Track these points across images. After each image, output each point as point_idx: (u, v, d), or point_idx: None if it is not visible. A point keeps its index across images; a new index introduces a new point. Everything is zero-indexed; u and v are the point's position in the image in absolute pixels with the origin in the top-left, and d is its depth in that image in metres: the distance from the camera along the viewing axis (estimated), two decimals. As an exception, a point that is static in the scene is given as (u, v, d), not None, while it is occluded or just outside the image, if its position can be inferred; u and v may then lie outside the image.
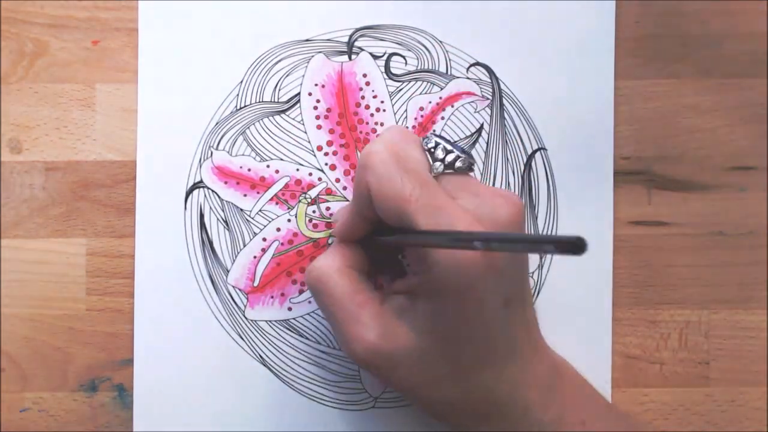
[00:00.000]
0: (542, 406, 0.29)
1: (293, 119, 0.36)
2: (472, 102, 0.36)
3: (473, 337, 0.28)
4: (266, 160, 0.36)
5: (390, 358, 0.28)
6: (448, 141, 0.30)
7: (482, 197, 0.28)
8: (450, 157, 0.29)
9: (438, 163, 0.29)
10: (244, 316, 0.35)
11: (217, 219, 0.36)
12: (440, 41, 0.36)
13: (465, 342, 0.28)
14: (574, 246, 0.20)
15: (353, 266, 0.30)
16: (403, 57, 0.36)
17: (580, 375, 0.32)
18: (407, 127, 0.36)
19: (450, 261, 0.26)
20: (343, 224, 0.31)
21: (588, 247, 0.20)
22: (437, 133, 0.30)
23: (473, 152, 0.36)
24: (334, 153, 0.36)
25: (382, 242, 0.30)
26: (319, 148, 0.36)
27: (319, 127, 0.36)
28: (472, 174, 0.30)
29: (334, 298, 0.29)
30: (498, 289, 0.27)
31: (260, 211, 0.36)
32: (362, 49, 0.36)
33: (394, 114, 0.36)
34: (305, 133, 0.36)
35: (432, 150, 0.30)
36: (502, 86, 0.36)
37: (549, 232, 0.36)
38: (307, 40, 0.36)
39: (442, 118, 0.36)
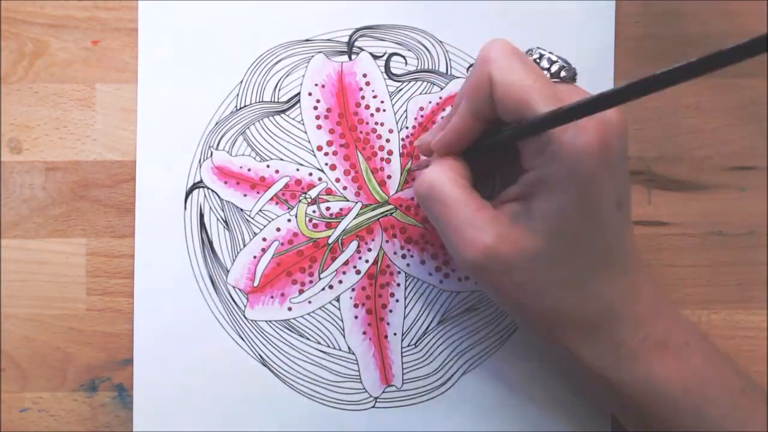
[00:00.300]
0: (652, 321, 0.29)
1: (293, 119, 0.36)
2: (472, 102, 0.36)
3: (591, 239, 0.27)
4: (266, 160, 0.36)
5: (507, 262, 0.27)
6: (551, 52, 0.30)
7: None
8: (555, 67, 0.30)
9: (545, 72, 0.30)
10: (244, 316, 0.35)
11: (217, 219, 0.36)
12: (440, 41, 0.36)
13: (583, 244, 0.27)
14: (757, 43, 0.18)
15: (464, 177, 0.30)
16: (403, 57, 0.36)
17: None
18: (408, 127, 0.36)
19: (572, 148, 0.26)
20: (453, 129, 0.30)
21: None
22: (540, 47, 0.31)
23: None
24: (334, 153, 0.36)
25: (497, 141, 0.29)
26: (319, 148, 0.36)
27: (319, 127, 0.36)
28: (575, 83, 0.30)
29: (448, 204, 0.29)
30: (612, 188, 0.27)
31: (260, 211, 0.36)
32: (362, 49, 0.36)
33: (394, 114, 0.36)
34: (305, 133, 0.36)
35: (537, 60, 0.30)
36: (502, 86, 0.36)
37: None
38: (307, 40, 0.36)
39: (442, 118, 0.36)
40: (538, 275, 0.28)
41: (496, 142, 0.29)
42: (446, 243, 0.30)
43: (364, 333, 0.36)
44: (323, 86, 0.36)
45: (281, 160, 0.36)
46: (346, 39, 0.36)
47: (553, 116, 0.25)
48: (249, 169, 0.36)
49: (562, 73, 0.30)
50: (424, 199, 0.30)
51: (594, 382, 0.30)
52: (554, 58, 0.30)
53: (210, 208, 0.36)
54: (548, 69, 0.30)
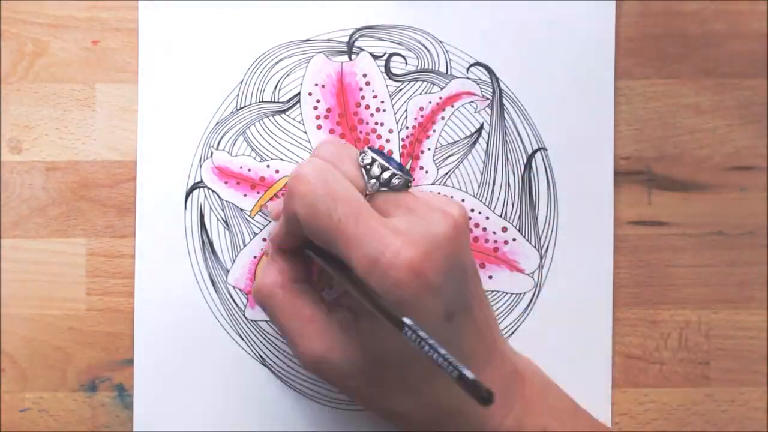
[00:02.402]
0: (499, 414, 0.28)
1: (293, 119, 0.36)
2: (472, 102, 0.36)
3: (412, 353, 0.26)
4: (266, 160, 0.36)
5: (338, 369, 0.29)
6: (384, 156, 0.29)
7: (418, 213, 0.28)
8: (386, 175, 0.29)
9: (373, 181, 0.29)
10: (244, 316, 0.35)
11: (217, 219, 0.36)
12: (440, 41, 0.36)
13: (409, 359, 0.28)
14: (479, 395, 0.21)
15: (295, 279, 0.30)
16: (403, 57, 0.36)
17: (546, 377, 0.32)
18: (408, 127, 0.36)
19: (382, 284, 0.26)
20: (277, 236, 0.31)
21: (494, 401, 0.21)
22: (374, 147, 0.29)
23: (473, 152, 0.36)
24: (334, 153, 0.36)
25: (314, 259, 0.30)
26: (319, 148, 0.36)
27: (319, 127, 0.36)
28: (410, 189, 0.30)
29: (281, 315, 0.30)
30: (436, 306, 0.27)
31: (260, 211, 0.36)
32: (362, 49, 0.36)
33: (394, 114, 0.36)
34: (305, 133, 0.36)
35: (368, 167, 0.29)
36: (502, 86, 0.36)
37: (549, 232, 0.36)
38: (307, 40, 0.36)
39: (442, 118, 0.36)
40: (370, 382, 0.28)
41: (313, 258, 0.30)
42: (286, 342, 0.31)
43: (364, 333, 0.35)
44: (323, 86, 0.36)
45: (281, 160, 0.36)
46: (346, 39, 0.36)
47: (346, 279, 0.27)
48: (249, 169, 0.36)
49: (394, 181, 0.29)
50: (260, 306, 0.31)
51: None
52: (386, 165, 0.29)
53: (210, 208, 0.36)
54: (378, 177, 0.29)
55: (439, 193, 0.35)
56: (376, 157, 0.29)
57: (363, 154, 0.30)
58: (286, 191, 0.29)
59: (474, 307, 0.29)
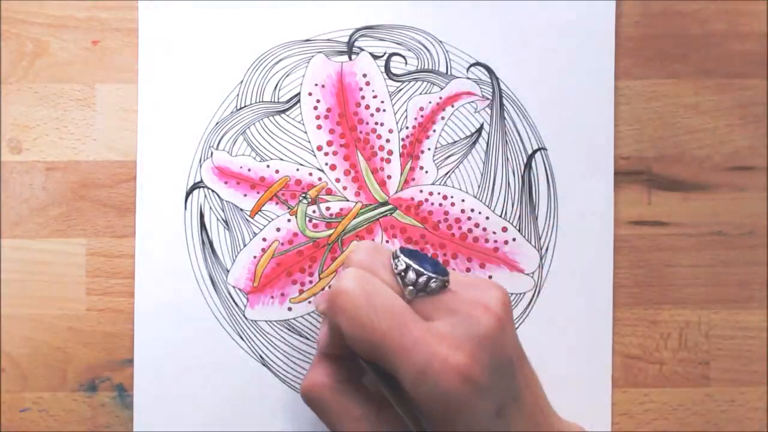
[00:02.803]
0: None
1: (293, 119, 0.36)
2: (472, 102, 0.36)
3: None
4: (266, 160, 0.36)
5: None
6: (417, 257, 0.29)
7: (460, 313, 0.27)
8: (422, 279, 0.28)
9: (410, 288, 0.28)
10: (244, 316, 0.35)
11: (217, 219, 0.36)
12: (440, 41, 0.36)
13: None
14: None
15: (343, 380, 0.30)
16: (403, 57, 0.36)
17: None
18: (408, 127, 0.36)
19: (431, 393, 0.26)
20: (323, 343, 0.30)
21: None
22: (404, 248, 0.29)
23: (473, 152, 0.36)
24: (334, 153, 0.36)
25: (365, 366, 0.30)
26: (319, 148, 0.36)
27: (319, 127, 0.36)
28: (448, 286, 0.29)
29: (330, 416, 0.30)
30: (486, 405, 0.26)
31: (260, 211, 0.36)
32: (362, 49, 0.36)
33: (394, 114, 0.36)
34: (305, 133, 0.36)
35: (403, 273, 0.28)
36: (502, 86, 0.36)
37: (549, 232, 0.36)
38: (307, 40, 0.36)
39: (442, 118, 0.36)
40: None
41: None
42: None
43: (364, 333, 0.35)
44: (323, 86, 0.36)
45: (281, 160, 0.36)
46: (346, 39, 0.36)
47: (391, 395, 0.28)
48: (249, 169, 0.36)
49: (431, 285, 0.28)
50: (309, 405, 0.31)
51: None
52: (421, 270, 0.28)
53: (210, 208, 0.36)
54: (414, 282, 0.28)
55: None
56: (409, 262, 0.28)
57: (396, 260, 0.29)
58: (328, 305, 0.28)
59: (523, 395, 0.28)
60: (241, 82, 0.36)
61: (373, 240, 0.36)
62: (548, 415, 0.30)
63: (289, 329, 0.35)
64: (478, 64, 0.36)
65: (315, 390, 0.30)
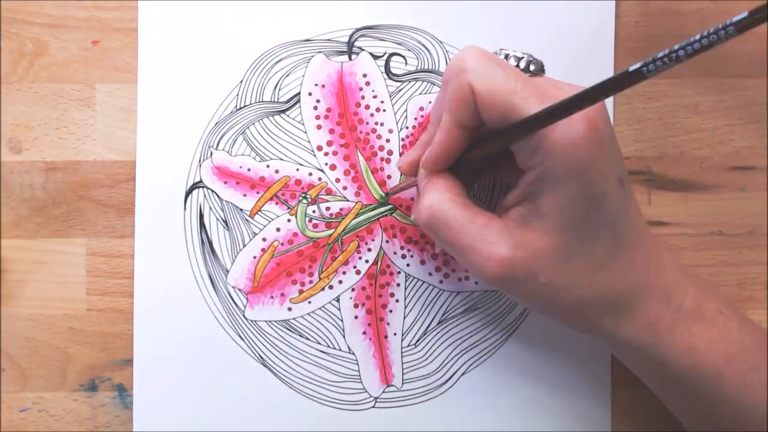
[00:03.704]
0: (680, 291, 0.29)
1: (293, 119, 0.36)
2: (472, 102, 0.36)
3: (602, 222, 0.27)
4: (266, 160, 0.36)
5: (527, 267, 0.27)
6: (514, 51, 0.30)
7: (569, 90, 0.27)
8: (522, 63, 0.30)
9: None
10: (244, 316, 0.35)
11: (217, 219, 0.36)
12: (440, 41, 0.36)
13: (596, 228, 0.27)
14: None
15: (461, 194, 0.30)
16: (403, 57, 0.36)
17: None
18: (408, 127, 0.36)
19: (567, 140, 0.26)
20: (441, 143, 0.29)
21: None
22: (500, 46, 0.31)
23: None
24: (334, 153, 0.36)
25: (488, 147, 0.29)
26: (319, 148, 0.36)
27: (319, 127, 0.36)
28: (545, 74, 0.31)
29: (454, 227, 0.28)
30: (610, 167, 0.27)
31: (260, 211, 0.36)
32: (362, 49, 0.36)
33: (394, 114, 0.36)
34: (305, 133, 0.36)
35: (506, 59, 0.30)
36: (502, 86, 0.36)
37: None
38: (307, 40, 0.36)
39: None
40: (560, 271, 0.28)
41: (487, 150, 0.29)
42: (462, 263, 0.30)
43: (364, 333, 0.36)
44: (323, 86, 0.36)
45: (281, 160, 0.36)
46: (346, 39, 0.36)
47: (545, 115, 0.25)
48: (249, 169, 0.36)
49: (531, 68, 0.30)
50: (428, 226, 0.29)
51: (637, 364, 0.30)
52: (519, 55, 0.30)
53: (210, 208, 0.36)
54: (517, 66, 0.30)
55: None
56: (507, 51, 0.30)
57: (496, 53, 0.30)
58: (452, 73, 0.28)
59: (628, 182, 0.29)
60: (241, 81, 0.36)
61: (374, 240, 0.36)
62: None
63: (289, 329, 0.35)
64: (478, 64, 0.36)
65: (437, 204, 0.29)
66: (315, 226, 0.36)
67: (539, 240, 0.27)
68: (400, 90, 0.36)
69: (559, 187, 0.27)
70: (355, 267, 0.36)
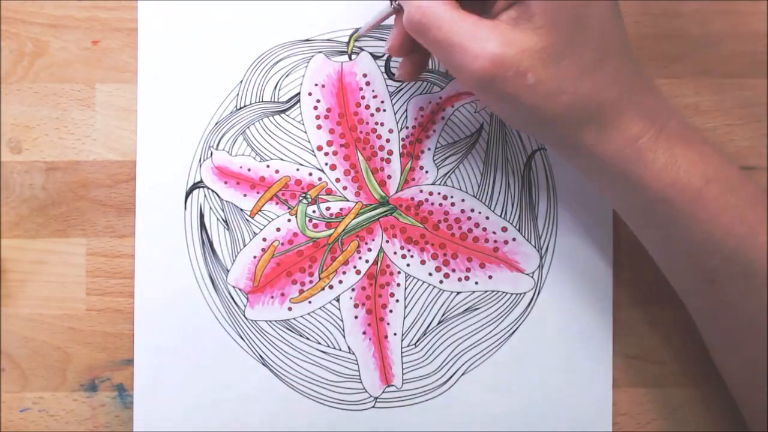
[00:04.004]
0: (666, 112, 0.29)
1: (293, 119, 0.36)
2: (472, 102, 0.36)
3: (590, 25, 0.27)
4: (266, 160, 0.36)
5: (516, 65, 0.27)
6: None
7: None
8: None
9: None
10: (244, 316, 0.35)
11: (217, 219, 0.36)
12: (440, 41, 0.36)
13: (585, 32, 0.27)
14: None
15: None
16: (403, 57, 0.36)
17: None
18: (408, 127, 0.36)
19: None
20: None
21: None
22: None
23: (473, 152, 0.36)
24: (334, 153, 0.36)
25: None
26: (319, 148, 0.36)
27: (319, 127, 0.36)
28: None
29: (443, 26, 0.28)
30: None
31: (260, 210, 0.36)
32: (362, 49, 0.36)
33: (395, 114, 0.36)
34: (305, 133, 0.36)
35: None
36: (502, 86, 0.36)
37: (549, 233, 0.36)
38: (307, 40, 0.36)
39: (442, 118, 0.36)
40: (548, 72, 0.27)
41: None
42: (450, 64, 0.29)
43: (364, 333, 0.36)
44: (323, 86, 0.36)
45: (281, 160, 0.36)
46: (346, 39, 0.36)
47: None
48: (249, 169, 0.36)
49: None
50: (418, 26, 0.29)
51: (614, 186, 0.30)
52: None
53: (210, 208, 0.36)
54: None
55: None
56: None
57: None
58: None
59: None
60: (241, 81, 0.36)
61: (374, 240, 0.36)
62: None
63: (289, 329, 0.35)
64: (478, 64, 0.36)
65: (427, 5, 0.28)
66: (315, 226, 0.36)
67: (529, 39, 0.27)
68: (400, 90, 0.36)
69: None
70: (355, 267, 0.36)
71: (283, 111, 0.36)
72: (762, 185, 0.30)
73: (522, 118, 0.30)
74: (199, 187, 0.36)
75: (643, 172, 0.28)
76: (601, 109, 0.28)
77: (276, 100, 0.36)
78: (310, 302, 0.35)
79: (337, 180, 0.36)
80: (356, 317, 0.35)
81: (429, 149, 0.36)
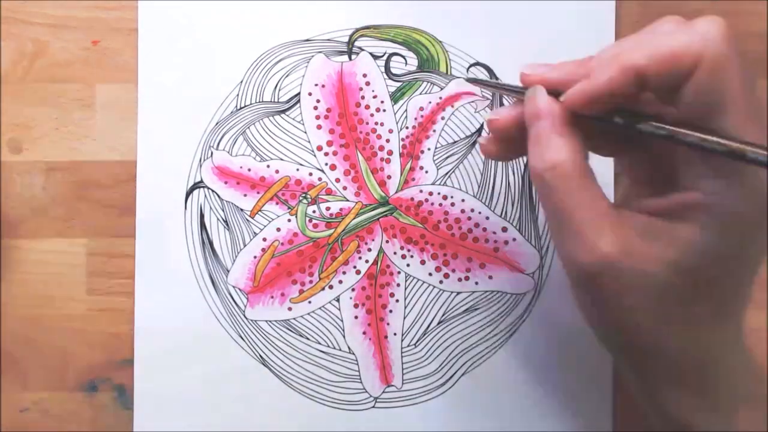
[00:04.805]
0: (745, 373, 0.26)
1: (293, 119, 0.36)
2: (472, 102, 0.36)
3: (730, 281, 0.24)
4: (266, 160, 0.36)
5: (623, 279, 0.23)
6: None
7: None
8: None
9: None
10: (244, 316, 0.35)
11: (217, 219, 0.36)
12: (440, 41, 0.36)
13: (715, 289, 0.24)
14: None
15: (585, 159, 0.25)
16: (403, 57, 0.36)
17: None
18: (408, 127, 0.36)
19: (761, 186, 0.22)
20: (606, 84, 0.23)
21: None
22: None
23: (474, 152, 0.36)
24: (334, 153, 0.36)
25: (643, 130, 0.24)
26: (319, 148, 0.36)
27: (319, 127, 0.36)
28: None
29: (571, 200, 0.24)
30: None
31: (260, 211, 0.36)
32: (362, 49, 0.36)
33: (394, 114, 0.36)
34: (305, 133, 0.36)
35: None
36: (502, 86, 0.36)
37: (549, 232, 0.36)
38: (307, 40, 0.36)
39: (442, 118, 0.36)
40: (651, 305, 0.24)
41: (640, 129, 0.24)
42: (557, 238, 0.25)
43: (364, 333, 0.36)
44: (323, 86, 0.36)
45: (281, 160, 0.36)
46: (346, 39, 0.36)
47: (730, 146, 0.21)
48: (249, 169, 0.36)
49: None
50: (543, 183, 0.24)
51: (666, 427, 0.27)
52: None
53: (210, 208, 0.36)
54: None
55: None
56: None
57: None
58: (691, 29, 0.23)
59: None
60: (241, 82, 0.36)
61: (374, 240, 0.36)
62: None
63: (289, 329, 0.35)
64: (478, 64, 0.36)
65: (564, 166, 0.24)
66: (315, 226, 0.36)
67: (651, 262, 0.23)
68: (400, 90, 0.36)
69: (713, 231, 0.23)
70: (355, 267, 0.36)
71: (283, 111, 0.36)
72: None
73: (601, 327, 0.27)
74: (199, 187, 0.36)
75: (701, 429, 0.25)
76: (682, 362, 0.25)
77: (276, 100, 0.36)
78: (310, 302, 0.35)
79: (337, 180, 0.36)
80: (356, 317, 0.36)
81: (429, 149, 0.36)
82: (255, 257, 0.36)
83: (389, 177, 0.36)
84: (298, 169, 0.36)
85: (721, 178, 0.23)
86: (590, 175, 0.24)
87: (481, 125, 0.36)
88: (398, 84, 0.36)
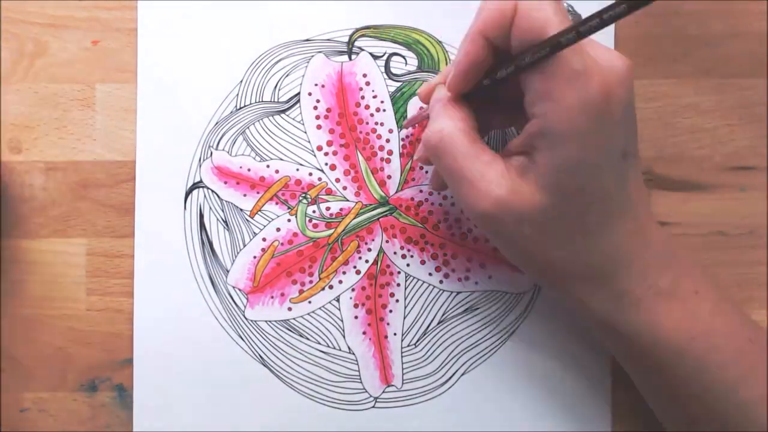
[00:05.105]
0: (660, 269, 0.29)
1: (293, 119, 0.36)
2: (472, 102, 0.36)
3: (596, 192, 0.28)
4: (266, 160, 0.36)
5: (517, 215, 0.28)
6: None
7: (597, 50, 0.28)
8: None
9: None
10: (244, 316, 0.35)
11: (217, 219, 0.36)
12: (440, 41, 0.36)
13: (589, 196, 0.27)
14: None
15: (473, 127, 0.30)
16: (403, 57, 0.36)
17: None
18: (408, 127, 0.36)
19: (576, 100, 0.26)
20: (465, 55, 0.29)
21: None
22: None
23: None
24: (334, 153, 0.36)
25: (502, 69, 0.28)
26: (319, 148, 0.36)
27: (319, 127, 0.36)
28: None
29: (458, 158, 0.29)
30: (616, 139, 0.27)
31: (260, 211, 0.36)
32: (362, 49, 0.36)
33: (394, 114, 0.36)
34: (305, 133, 0.36)
35: None
36: (502, 86, 0.36)
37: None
38: (307, 40, 0.36)
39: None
40: (546, 228, 0.28)
41: (505, 74, 0.28)
42: (457, 194, 0.30)
43: (364, 333, 0.36)
44: (323, 86, 0.36)
45: (281, 160, 0.36)
46: (346, 39, 0.36)
47: (563, 35, 0.25)
48: (249, 169, 0.36)
49: (569, 17, 0.30)
50: (434, 150, 0.29)
51: (603, 333, 0.31)
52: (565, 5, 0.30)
53: (210, 208, 0.36)
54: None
55: None
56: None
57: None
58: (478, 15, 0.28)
59: (638, 156, 0.29)
60: (241, 82, 0.36)
61: (374, 240, 0.36)
62: (649, 199, 0.31)
63: (289, 329, 0.35)
64: (478, 64, 0.36)
65: (447, 132, 0.29)
66: (315, 226, 0.36)
67: (532, 194, 0.27)
68: (400, 90, 0.36)
69: (558, 148, 0.27)
70: (355, 267, 0.36)
71: (283, 111, 0.36)
72: (762, 328, 0.30)
73: (514, 257, 0.31)
74: (198, 187, 0.36)
75: (627, 327, 0.29)
76: (591, 269, 0.29)
77: (276, 100, 0.36)
78: (310, 302, 0.35)
79: (337, 180, 0.36)
80: (356, 317, 0.36)
81: (429, 149, 0.36)
82: (255, 257, 0.36)
83: (389, 177, 0.36)
84: (297, 169, 0.36)
85: (544, 100, 0.26)
86: (475, 136, 0.29)
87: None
88: (398, 84, 0.36)
